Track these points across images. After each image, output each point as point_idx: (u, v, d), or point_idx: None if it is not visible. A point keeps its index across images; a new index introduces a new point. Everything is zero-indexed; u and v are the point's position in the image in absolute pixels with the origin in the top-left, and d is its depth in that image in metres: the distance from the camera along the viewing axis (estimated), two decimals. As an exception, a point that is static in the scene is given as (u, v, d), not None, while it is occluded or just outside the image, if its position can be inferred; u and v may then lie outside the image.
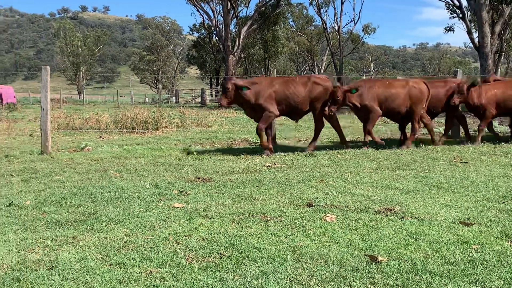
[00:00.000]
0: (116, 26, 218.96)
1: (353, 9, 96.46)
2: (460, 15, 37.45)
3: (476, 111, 11.43)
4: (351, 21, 66.81)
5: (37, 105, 39.56)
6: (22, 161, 9.64)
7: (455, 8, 38.92)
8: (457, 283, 3.46)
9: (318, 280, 3.52)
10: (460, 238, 4.43)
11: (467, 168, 8.00)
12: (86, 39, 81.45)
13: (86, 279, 3.52)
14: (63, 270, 3.71)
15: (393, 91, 10.88)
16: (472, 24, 36.13)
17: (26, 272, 3.68)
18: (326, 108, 10.64)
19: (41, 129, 11.16)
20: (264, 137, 10.40)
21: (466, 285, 3.43)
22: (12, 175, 7.86)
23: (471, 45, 33.43)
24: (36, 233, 4.66)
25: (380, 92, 10.79)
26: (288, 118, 11.25)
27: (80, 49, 79.39)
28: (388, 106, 10.90)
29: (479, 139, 11.22)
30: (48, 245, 4.29)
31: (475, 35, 31.43)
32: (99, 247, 4.25)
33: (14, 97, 40.56)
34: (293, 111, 10.77)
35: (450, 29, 42.24)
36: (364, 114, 10.83)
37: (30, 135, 15.12)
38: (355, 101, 10.64)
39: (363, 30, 63.89)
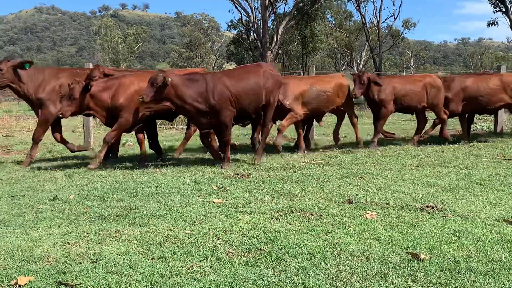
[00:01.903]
0: (155, 23, 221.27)
1: (393, 3, 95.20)
2: (503, 9, 36.63)
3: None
4: (390, 16, 65.76)
5: (78, 101, 40.26)
6: (65, 156, 9.85)
7: (498, 2, 38.07)
8: (501, 281, 3.40)
9: (359, 277, 3.50)
10: (504, 236, 4.36)
11: (511, 166, 7.83)
12: (126, 36, 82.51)
13: (129, 272, 3.58)
14: (107, 263, 3.78)
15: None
16: (516, 18, 35.28)
17: (71, 265, 3.77)
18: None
19: (83, 125, 11.39)
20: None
21: (511, 284, 3.37)
22: (55, 170, 8.03)
23: (514, 39, 32.66)
24: (79, 227, 4.75)
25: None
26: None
27: (120, 46, 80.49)
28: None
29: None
30: (91, 239, 4.38)
31: (519, 29, 30.67)
32: (141, 241, 4.31)
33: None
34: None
35: (493, 23, 41.34)
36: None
37: (72, 131, 15.43)
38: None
39: (403, 25, 62.99)
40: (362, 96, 10.37)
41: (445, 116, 10.71)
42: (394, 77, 11.21)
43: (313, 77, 11.33)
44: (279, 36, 43.49)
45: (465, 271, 3.56)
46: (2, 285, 3.41)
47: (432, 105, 10.70)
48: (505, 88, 10.96)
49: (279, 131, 9.59)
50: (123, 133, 8.77)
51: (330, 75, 10.88)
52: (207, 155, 9.33)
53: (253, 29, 46.69)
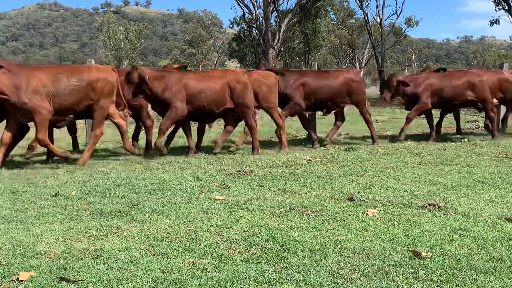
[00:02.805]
0: (158, 20, 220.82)
1: (396, 1, 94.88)
2: (506, 8, 36.58)
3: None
4: (393, 14, 66.06)
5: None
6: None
7: (500, 0, 38.00)
8: (502, 280, 3.40)
9: (360, 274, 3.50)
10: (506, 234, 4.36)
11: (513, 164, 7.83)
12: (128, 33, 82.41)
13: (130, 269, 3.59)
14: (108, 259, 3.78)
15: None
16: (519, 17, 35.25)
17: (72, 260, 3.77)
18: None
19: (85, 121, 11.38)
20: None
21: (512, 283, 3.37)
22: (57, 166, 8.04)
23: (517, 38, 32.72)
24: (81, 223, 4.76)
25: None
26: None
27: (122, 43, 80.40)
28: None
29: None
30: (93, 235, 4.38)
31: (522, 27, 30.65)
32: (142, 237, 4.32)
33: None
34: None
35: (495, 21, 41.26)
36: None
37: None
38: None
39: (405, 23, 62.92)
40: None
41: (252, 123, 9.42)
42: (188, 73, 9.53)
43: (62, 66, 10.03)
44: (281, 33, 43.41)
45: (466, 269, 3.56)
46: (4, 280, 3.41)
47: (238, 105, 9.28)
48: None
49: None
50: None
51: (93, 65, 9.34)
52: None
53: (255, 26, 46.63)
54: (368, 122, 10.94)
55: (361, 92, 10.91)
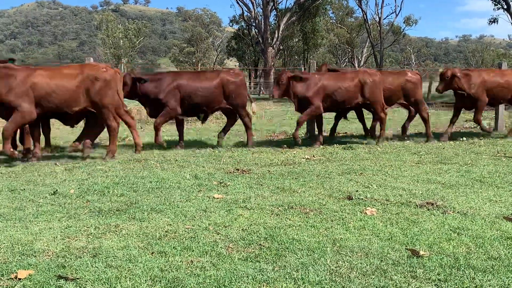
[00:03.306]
0: (157, 18, 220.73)
1: (395, 0, 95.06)
2: (505, 7, 36.62)
3: None
4: (392, 13, 65.93)
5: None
6: (65, 150, 9.84)
7: (499, -1, 38.05)
8: (500, 278, 3.40)
9: (358, 273, 3.50)
10: (504, 233, 4.36)
11: (511, 163, 7.83)
12: (127, 31, 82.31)
13: (129, 267, 3.59)
14: (106, 257, 3.78)
15: None
16: (518, 16, 35.29)
17: (71, 259, 3.77)
18: None
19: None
20: None
21: (510, 281, 3.37)
22: (56, 164, 8.04)
23: (516, 37, 32.78)
24: (80, 221, 4.76)
25: None
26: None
27: (121, 41, 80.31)
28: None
29: None
30: (91, 233, 4.38)
31: (521, 26, 30.69)
32: (141, 235, 4.32)
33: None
34: None
35: (494, 20, 41.34)
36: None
37: (73, 126, 15.42)
38: None
39: (404, 22, 63.03)
40: None
41: (114, 123, 8.84)
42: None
43: None
44: (280, 32, 43.46)
45: (464, 268, 3.56)
46: (2, 278, 3.41)
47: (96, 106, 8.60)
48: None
49: None
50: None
51: None
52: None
53: (254, 24, 46.68)
54: (246, 127, 10.30)
55: (240, 95, 10.11)
